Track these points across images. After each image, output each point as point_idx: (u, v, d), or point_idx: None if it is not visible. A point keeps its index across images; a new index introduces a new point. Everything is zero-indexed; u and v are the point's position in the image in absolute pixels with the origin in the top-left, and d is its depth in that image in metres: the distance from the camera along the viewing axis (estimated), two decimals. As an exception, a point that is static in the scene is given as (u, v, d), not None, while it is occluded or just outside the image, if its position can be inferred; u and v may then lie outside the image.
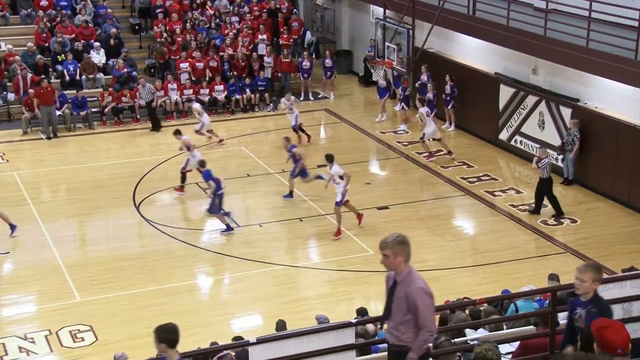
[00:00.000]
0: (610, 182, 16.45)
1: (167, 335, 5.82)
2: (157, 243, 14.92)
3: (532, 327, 8.18)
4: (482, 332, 8.47)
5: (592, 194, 16.72)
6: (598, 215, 15.88)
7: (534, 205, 15.87)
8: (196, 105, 20.29)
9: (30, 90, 20.53)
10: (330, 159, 15.08)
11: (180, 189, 16.99)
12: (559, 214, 15.65)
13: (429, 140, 18.79)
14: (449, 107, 20.32)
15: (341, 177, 14.82)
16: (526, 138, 18.55)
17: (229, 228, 15.08)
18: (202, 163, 15.61)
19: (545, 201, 16.20)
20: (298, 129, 19.81)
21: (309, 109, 22.90)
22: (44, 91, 20.41)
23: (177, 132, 17.69)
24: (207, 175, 15.20)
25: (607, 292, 6.54)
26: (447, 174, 17.90)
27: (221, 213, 15.11)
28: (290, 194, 16.65)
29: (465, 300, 10.64)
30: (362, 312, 10.30)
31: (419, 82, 21.01)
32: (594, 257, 13.96)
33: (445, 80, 20.14)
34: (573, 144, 16.75)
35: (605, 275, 6.30)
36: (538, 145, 17.66)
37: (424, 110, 18.82)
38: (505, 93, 19.07)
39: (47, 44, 22.74)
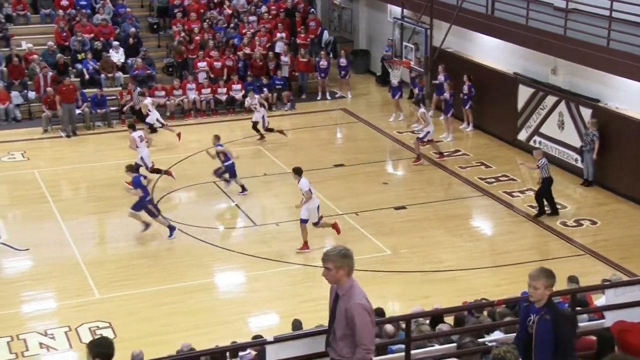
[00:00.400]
0: (631, 183, 16.30)
1: (101, 349, 5.57)
2: (174, 241, 14.97)
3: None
4: (497, 334, 8.42)
5: (612, 195, 16.58)
6: (618, 217, 15.75)
7: (537, 209, 15.71)
8: (147, 101, 20.02)
9: (49, 89, 20.70)
10: (297, 172, 14.44)
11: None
12: (553, 213, 15.55)
13: (428, 141, 18.53)
14: (467, 107, 20.24)
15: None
16: (545, 139, 18.43)
17: (171, 229, 14.90)
18: (131, 168, 15.29)
19: (564, 202, 16.11)
20: (266, 130, 19.69)
21: (325, 108, 22.91)
22: (65, 89, 20.58)
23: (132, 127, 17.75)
24: (136, 183, 14.79)
25: (628, 294, 6.49)
26: (465, 174, 17.83)
27: (142, 213, 14.81)
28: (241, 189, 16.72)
29: (483, 301, 10.58)
30: (378, 312, 10.27)
31: (436, 81, 20.94)
32: (613, 259, 13.87)
33: (463, 80, 20.08)
34: (592, 144, 16.62)
35: (625, 278, 6.28)
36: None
37: (422, 110, 18.52)
38: (524, 93, 18.95)
39: (67, 43, 22.92)
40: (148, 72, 22.52)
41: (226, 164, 16.66)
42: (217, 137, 16.92)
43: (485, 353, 7.02)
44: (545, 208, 15.62)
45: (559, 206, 16.06)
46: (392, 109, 21.94)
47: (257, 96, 20.28)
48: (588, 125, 16.72)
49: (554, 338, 5.74)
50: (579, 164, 17.30)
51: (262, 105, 20.06)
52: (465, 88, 20.11)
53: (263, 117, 19.78)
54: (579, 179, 17.21)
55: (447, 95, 20.06)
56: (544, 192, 15.62)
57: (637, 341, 4.81)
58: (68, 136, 20.46)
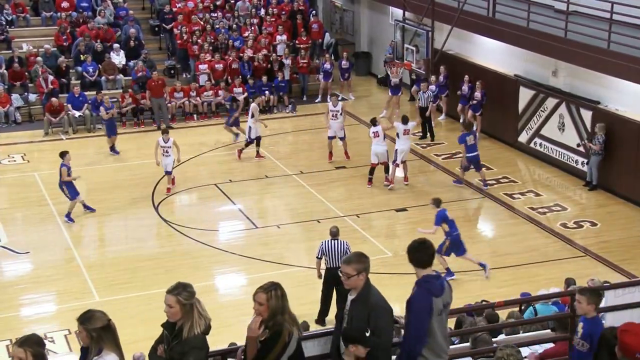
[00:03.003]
0: (631, 185, 16.29)
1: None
2: (175, 244, 14.99)
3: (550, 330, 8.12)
4: (501, 337, 8.43)
5: (613, 197, 16.58)
6: (619, 218, 15.74)
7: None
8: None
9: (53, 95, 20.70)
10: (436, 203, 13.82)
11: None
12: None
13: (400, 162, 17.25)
14: (478, 113, 20.04)
15: None
16: (546, 141, 18.43)
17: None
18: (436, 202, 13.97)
19: (565, 203, 16.13)
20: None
21: (326, 110, 22.89)
22: (155, 84, 21.00)
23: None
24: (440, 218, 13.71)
25: (628, 295, 6.48)
26: (466, 177, 17.81)
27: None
28: None
29: (484, 303, 10.58)
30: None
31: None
32: (614, 261, 13.87)
33: (463, 80, 20.13)
34: (595, 147, 16.56)
35: (625, 279, 6.28)
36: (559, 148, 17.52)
37: (398, 125, 17.22)
38: (525, 95, 18.95)
39: (66, 45, 22.95)
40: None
41: None
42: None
43: (488, 356, 7.02)
44: (566, 211, 15.58)
45: (559, 207, 16.08)
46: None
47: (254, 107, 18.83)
48: (596, 129, 16.60)
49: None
50: (579, 166, 17.29)
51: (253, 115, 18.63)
52: (466, 88, 20.12)
53: (249, 128, 18.48)
54: (580, 180, 17.20)
55: (433, 87, 20.27)
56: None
57: (634, 342, 4.80)
58: (160, 128, 20.31)
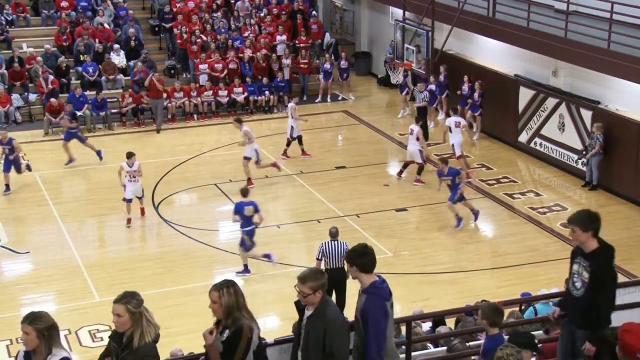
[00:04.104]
0: (631, 185, 16.29)
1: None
2: (175, 243, 14.99)
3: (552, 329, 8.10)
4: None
5: (613, 197, 16.57)
6: (619, 218, 15.73)
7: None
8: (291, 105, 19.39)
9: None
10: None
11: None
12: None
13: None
14: (477, 113, 20.05)
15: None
16: (546, 140, 18.42)
17: None
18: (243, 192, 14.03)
19: (565, 203, 16.12)
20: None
21: (327, 110, 22.93)
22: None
23: (238, 121, 17.37)
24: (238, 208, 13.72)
25: (628, 295, 6.47)
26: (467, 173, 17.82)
27: None
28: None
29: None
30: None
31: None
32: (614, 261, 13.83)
33: (463, 80, 20.13)
34: (594, 147, 16.58)
35: (625, 280, 6.28)
36: (558, 149, 17.53)
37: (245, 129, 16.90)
38: (525, 95, 18.95)
39: (66, 45, 22.95)
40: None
41: None
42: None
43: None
44: (566, 210, 15.61)
45: (559, 207, 16.09)
46: (394, 111, 22.02)
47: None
48: (593, 129, 16.64)
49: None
50: (579, 166, 17.28)
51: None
52: (466, 88, 20.11)
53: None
54: (580, 180, 17.20)
55: (432, 87, 20.37)
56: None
57: (635, 342, 4.80)
58: (158, 131, 20.52)
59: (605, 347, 5.22)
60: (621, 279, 12.88)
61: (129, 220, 15.46)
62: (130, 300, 5.30)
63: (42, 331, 5.16)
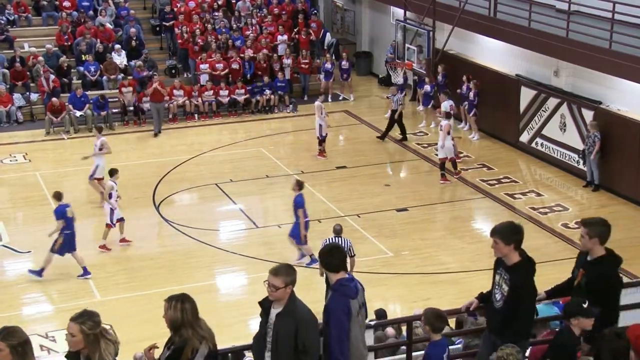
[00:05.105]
0: (633, 185, 16.26)
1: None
2: (176, 243, 14.98)
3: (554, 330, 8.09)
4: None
5: (614, 197, 16.55)
6: (620, 218, 15.67)
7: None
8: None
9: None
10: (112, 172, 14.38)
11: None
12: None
13: None
14: (471, 114, 20.06)
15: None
16: (547, 141, 18.40)
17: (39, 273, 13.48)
18: (57, 195, 13.76)
19: (566, 204, 16.10)
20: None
21: (327, 110, 22.84)
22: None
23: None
24: (60, 213, 13.46)
25: (630, 296, 6.46)
26: (467, 176, 17.80)
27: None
28: None
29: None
30: (380, 314, 10.25)
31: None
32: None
33: (462, 80, 20.13)
34: (593, 146, 16.57)
35: (626, 280, 6.25)
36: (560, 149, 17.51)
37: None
38: (526, 95, 18.93)
39: (67, 45, 22.95)
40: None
41: None
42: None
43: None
44: (567, 211, 15.84)
45: (560, 208, 16.07)
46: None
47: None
48: (589, 127, 16.68)
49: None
50: (581, 166, 17.26)
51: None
52: (465, 88, 20.10)
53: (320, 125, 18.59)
54: (581, 181, 17.18)
55: (428, 87, 20.39)
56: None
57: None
58: (156, 135, 20.42)
59: (606, 347, 5.19)
60: (623, 279, 12.89)
61: (123, 240, 14.77)
62: (85, 321, 5.11)
63: (15, 347, 4.90)
